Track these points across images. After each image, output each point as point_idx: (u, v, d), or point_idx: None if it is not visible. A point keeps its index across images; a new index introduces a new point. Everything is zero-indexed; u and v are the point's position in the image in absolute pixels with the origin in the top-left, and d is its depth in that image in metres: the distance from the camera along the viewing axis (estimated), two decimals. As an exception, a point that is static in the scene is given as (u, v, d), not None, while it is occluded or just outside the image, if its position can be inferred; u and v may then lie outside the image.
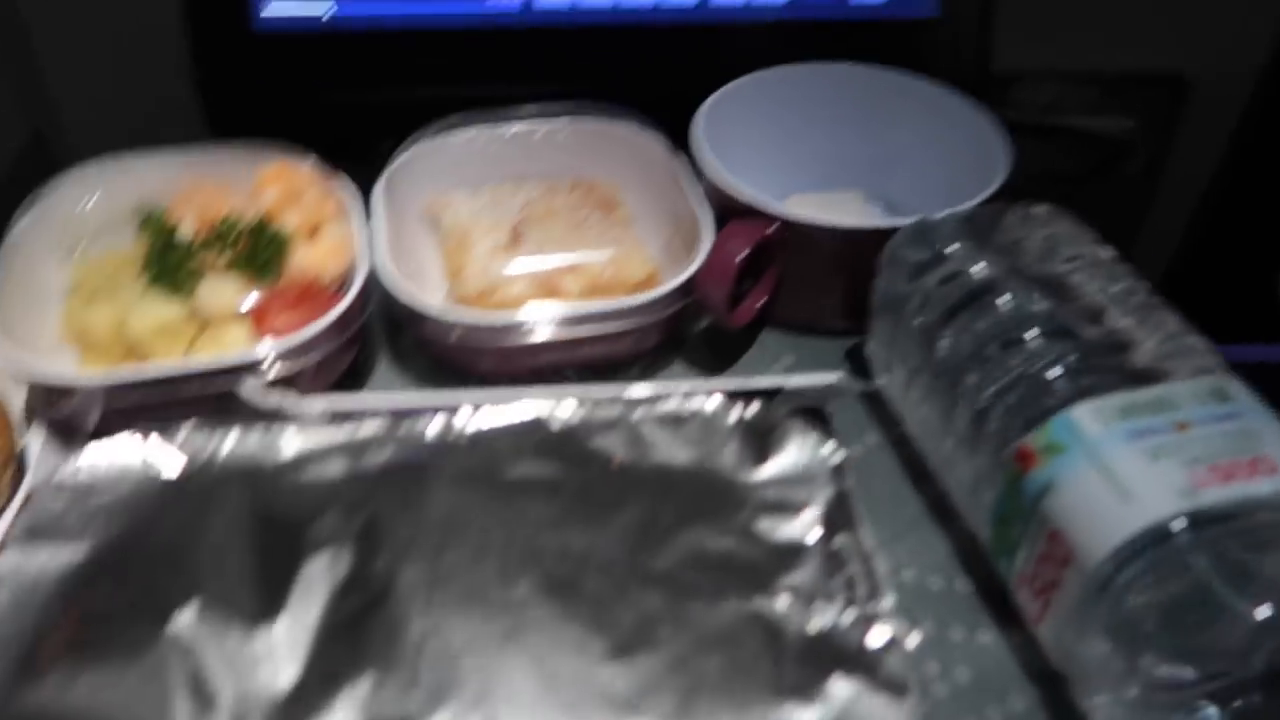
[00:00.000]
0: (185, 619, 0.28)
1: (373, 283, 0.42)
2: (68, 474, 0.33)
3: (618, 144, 0.49)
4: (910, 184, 0.48)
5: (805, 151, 0.51)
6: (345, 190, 0.45)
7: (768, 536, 0.32)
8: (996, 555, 0.35)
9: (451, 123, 0.49)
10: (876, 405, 0.43)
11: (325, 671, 0.28)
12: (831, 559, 0.32)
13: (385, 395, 0.37)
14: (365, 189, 0.45)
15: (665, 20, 0.53)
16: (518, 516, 0.32)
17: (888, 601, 0.31)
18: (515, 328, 0.39)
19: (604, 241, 0.45)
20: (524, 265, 0.43)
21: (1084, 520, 0.30)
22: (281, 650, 0.28)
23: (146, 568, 0.30)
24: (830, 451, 0.35)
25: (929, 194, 0.43)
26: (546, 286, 0.42)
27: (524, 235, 0.45)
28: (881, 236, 0.40)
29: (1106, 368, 0.32)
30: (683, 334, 0.47)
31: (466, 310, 0.41)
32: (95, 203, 0.44)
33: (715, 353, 0.46)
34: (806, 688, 0.28)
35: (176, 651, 0.28)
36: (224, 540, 0.31)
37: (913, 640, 0.30)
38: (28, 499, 0.33)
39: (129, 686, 0.27)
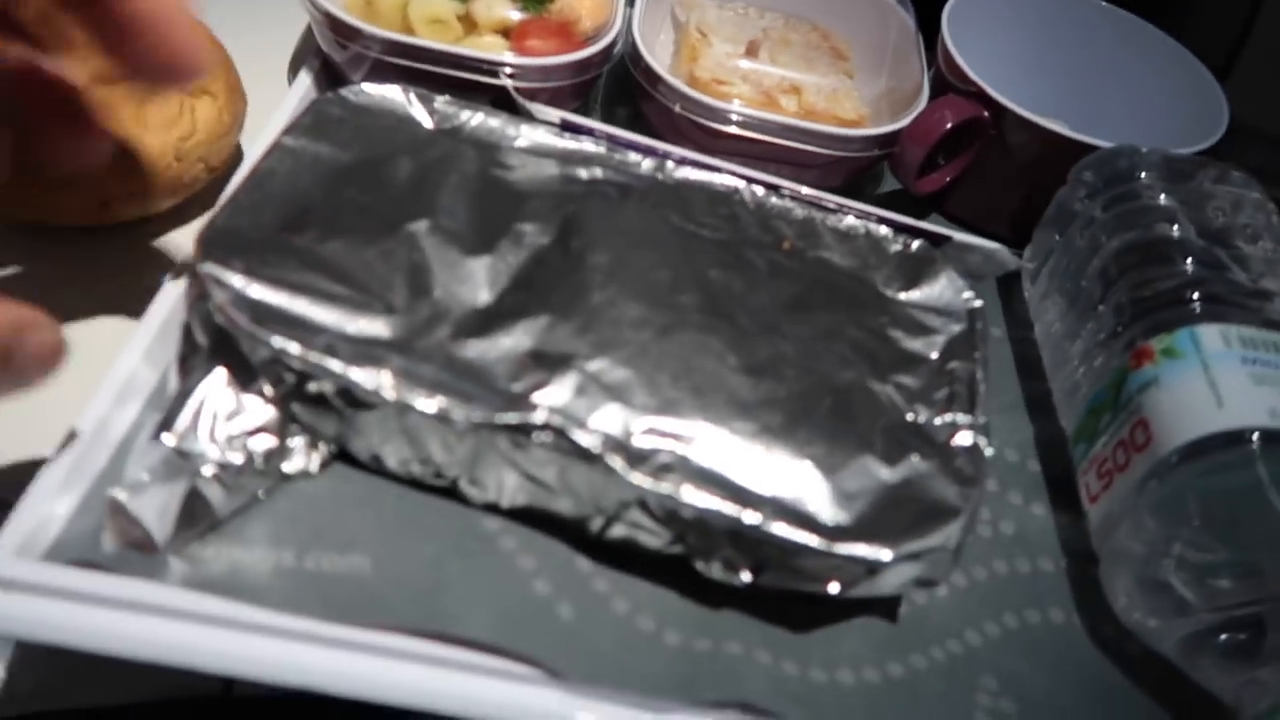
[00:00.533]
0: (420, 226, 0.34)
1: (618, 45, 0.46)
2: (349, 92, 0.38)
3: (865, 3, 0.52)
4: (1115, 132, 0.50)
5: (1027, 72, 0.52)
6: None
7: (896, 342, 0.36)
8: (1076, 441, 0.38)
9: (724, -64, 0.53)
10: (1010, 306, 0.46)
11: (514, 302, 0.33)
12: (942, 375, 0.35)
13: (613, 128, 0.42)
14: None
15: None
16: (695, 250, 0.36)
17: (979, 420, 0.34)
18: (728, 114, 0.44)
19: (825, 80, 0.49)
20: (753, 72, 0.47)
21: (1174, 414, 0.33)
22: (484, 278, 0.33)
23: (395, 186, 0.35)
24: (971, 296, 0.38)
25: (1132, 140, 0.44)
26: (767, 96, 0.47)
27: (758, 51, 0.49)
28: (1083, 151, 0.43)
29: (1244, 306, 0.35)
30: (863, 189, 0.50)
31: (699, 90, 0.45)
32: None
33: (884, 217, 0.50)
34: (889, 453, 0.32)
35: (409, 244, 0.33)
36: (457, 187, 0.36)
37: (989, 451, 0.33)
38: (313, 103, 0.38)
39: (367, 257, 0.32)
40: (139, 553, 0.28)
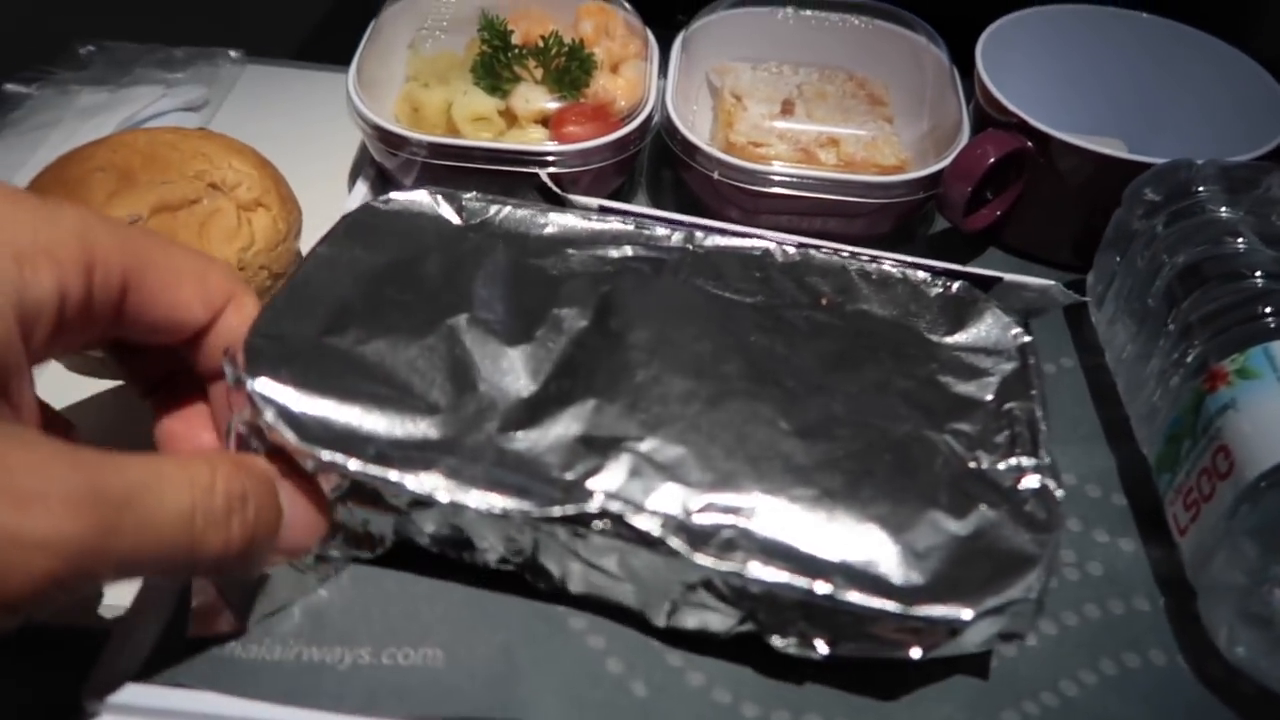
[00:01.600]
0: (459, 320, 0.34)
1: (654, 119, 0.48)
2: (378, 203, 0.39)
3: (897, 46, 0.53)
4: (1178, 142, 0.49)
5: (1076, 91, 0.52)
6: (647, 38, 0.51)
7: (948, 388, 0.35)
8: (1159, 470, 0.37)
9: (749, -1, 0.54)
10: (1080, 333, 0.45)
11: (559, 389, 0.33)
12: (1000, 417, 0.34)
13: (639, 208, 0.42)
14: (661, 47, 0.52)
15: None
16: (734, 316, 0.36)
17: (1045, 460, 0.33)
18: (768, 176, 0.44)
19: (865, 129, 0.49)
20: (790, 130, 0.48)
21: (1255, 437, 0.31)
22: (526, 367, 0.34)
23: (431, 282, 0.36)
24: (1019, 332, 0.37)
25: (1195, 152, 0.43)
26: (805, 152, 0.47)
27: (794, 108, 0.50)
28: (1135, 170, 0.42)
29: (1320, 319, 0.33)
30: (913, 232, 0.50)
31: (731, 154, 0.46)
32: (450, 4, 0.52)
33: (937, 256, 0.48)
34: (956, 505, 0.31)
35: (449, 339, 0.34)
36: (491, 278, 0.36)
37: (1060, 493, 0.32)
38: (345, 216, 0.39)
39: (409, 355, 0.33)
40: (223, 636, 0.30)
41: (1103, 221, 0.44)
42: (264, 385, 0.30)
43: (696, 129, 0.49)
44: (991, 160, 0.43)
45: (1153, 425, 0.38)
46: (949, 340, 0.37)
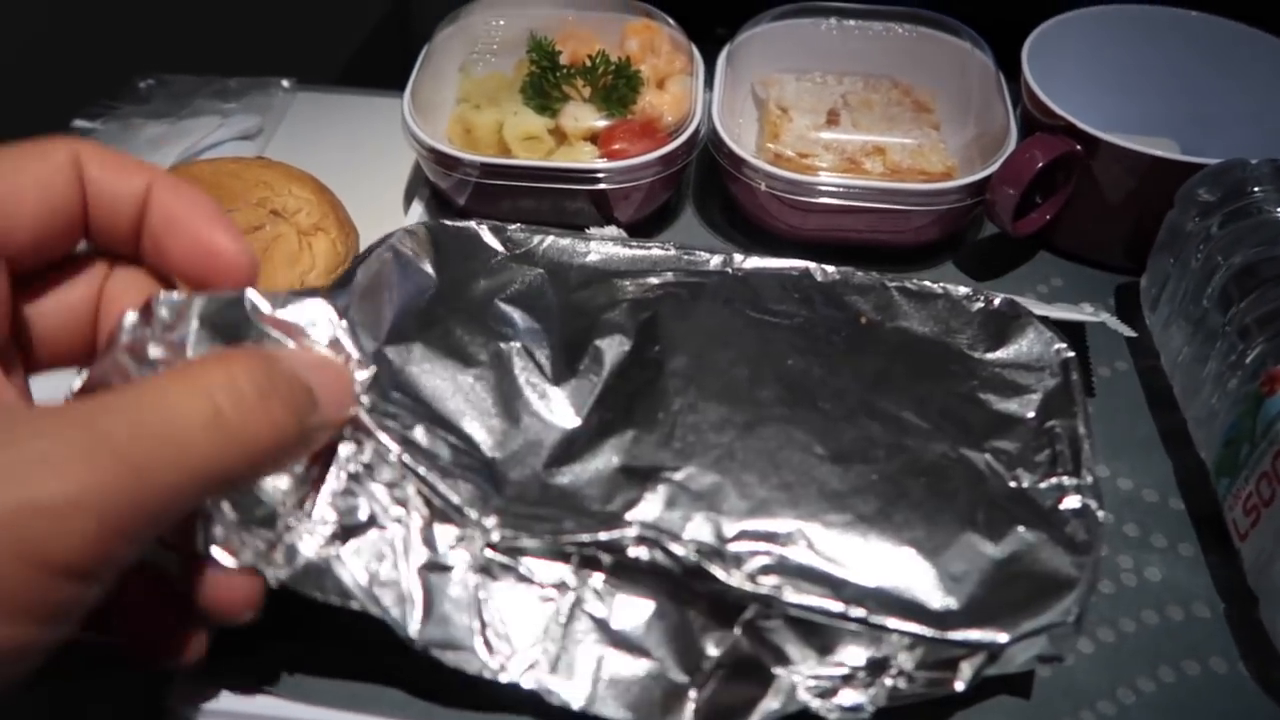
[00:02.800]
0: (510, 349, 0.35)
1: (701, 133, 0.48)
2: (432, 224, 0.39)
3: (942, 52, 0.53)
4: (1230, 141, 0.48)
5: (1126, 92, 0.51)
6: (692, 53, 0.52)
7: (988, 405, 0.35)
8: (1218, 475, 0.36)
9: (790, 10, 0.54)
10: (1135, 339, 0.45)
11: (601, 421, 0.33)
12: (1041, 435, 0.34)
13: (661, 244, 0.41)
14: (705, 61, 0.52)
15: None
16: (772, 339, 0.36)
17: (1087, 480, 0.32)
18: (814, 186, 0.45)
19: (910, 136, 0.49)
20: (835, 140, 0.48)
21: (1314, 442, 0.31)
22: (571, 402, 0.34)
23: (479, 307, 0.36)
24: (1062, 348, 0.36)
25: (1248, 151, 0.42)
26: (851, 162, 0.47)
27: (840, 118, 0.50)
28: (1189, 172, 0.42)
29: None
30: (962, 238, 0.50)
31: (783, 166, 0.47)
32: (499, 26, 0.53)
33: (987, 262, 0.49)
34: (993, 527, 0.31)
35: (499, 368, 0.34)
36: (537, 310, 0.37)
37: (1102, 515, 0.32)
38: (407, 230, 0.39)
39: (464, 382, 0.33)
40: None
41: (1154, 223, 0.44)
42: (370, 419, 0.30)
43: (742, 141, 0.50)
44: (1040, 164, 0.43)
45: (1210, 429, 0.38)
46: (990, 357, 0.37)
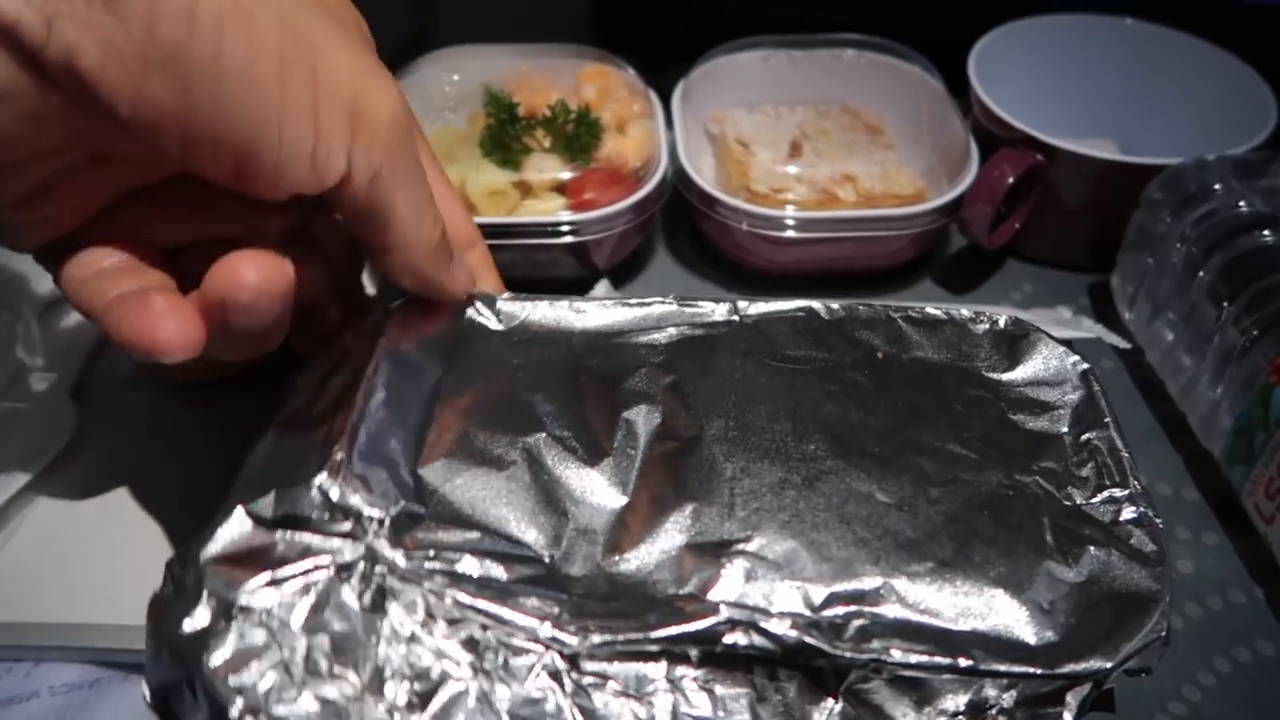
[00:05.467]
0: (537, 442, 0.32)
1: (668, 176, 0.48)
2: (412, 317, 0.36)
3: (888, 75, 0.54)
4: (1167, 137, 0.51)
5: (1065, 97, 0.54)
6: (649, 96, 0.52)
7: (1021, 425, 0.35)
8: (1231, 463, 0.38)
9: (739, 44, 0.55)
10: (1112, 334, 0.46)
11: (652, 496, 0.32)
12: (1080, 449, 0.34)
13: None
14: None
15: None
16: (802, 388, 0.36)
17: (1137, 488, 0.33)
18: (795, 221, 0.45)
19: (872, 161, 0.50)
20: (804, 172, 0.49)
21: (1337, 425, 0.32)
22: (614, 482, 0.32)
23: (492, 400, 0.34)
24: (1078, 360, 0.37)
25: (1186, 148, 0.45)
26: (824, 192, 0.48)
27: (802, 149, 0.50)
28: (1148, 174, 0.43)
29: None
30: (933, 255, 0.51)
31: (755, 203, 0.47)
32: (453, 82, 0.51)
33: (961, 275, 0.50)
34: (1066, 551, 0.31)
35: (531, 463, 0.32)
36: (553, 393, 0.35)
37: (1160, 521, 0.32)
38: (395, 315, 0.36)
39: (500, 486, 0.31)
40: None
41: (1115, 223, 0.46)
42: (384, 549, 0.28)
43: (703, 179, 0.50)
44: (1011, 180, 0.44)
45: (1215, 419, 0.39)
46: (1009, 377, 0.37)
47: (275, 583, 0.27)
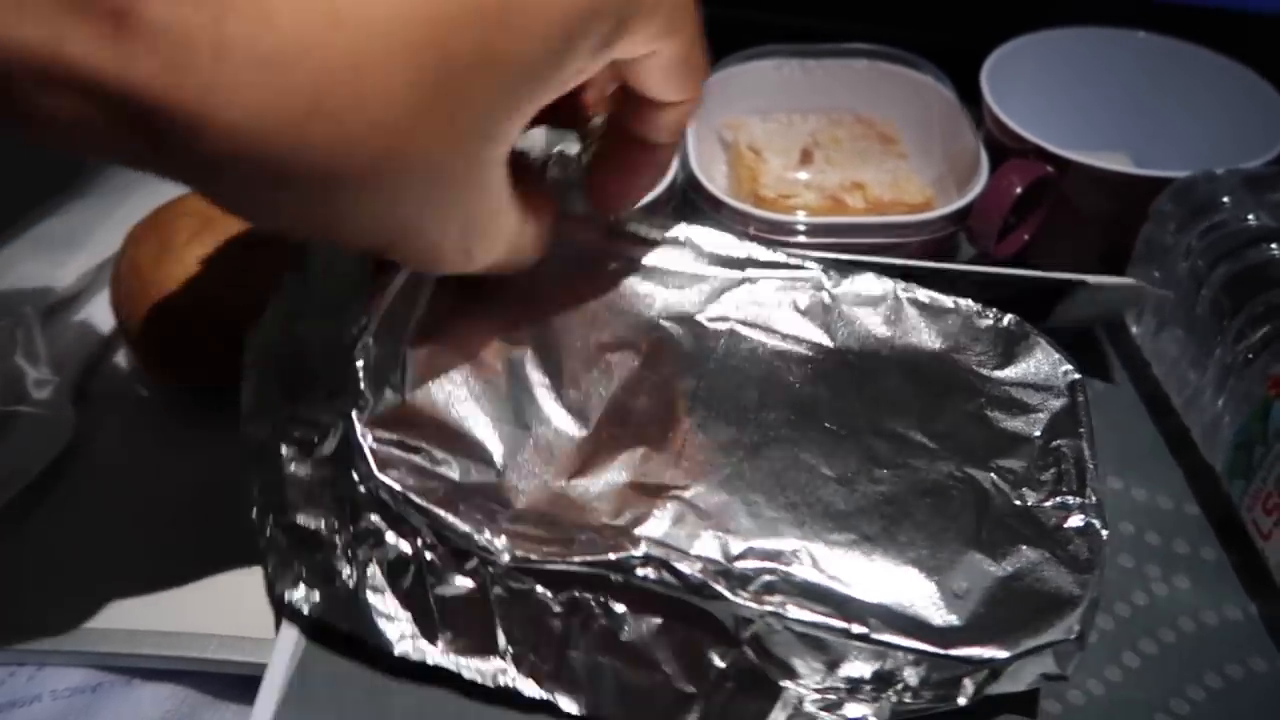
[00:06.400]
0: (522, 356, 0.34)
1: (679, 180, 0.48)
2: None
3: (901, 85, 0.54)
4: (1182, 152, 0.50)
5: (1080, 110, 0.53)
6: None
7: (995, 423, 0.35)
8: (1231, 477, 0.37)
9: (752, 53, 0.55)
10: (1120, 347, 0.46)
11: (610, 435, 0.34)
12: (1047, 454, 0.34)
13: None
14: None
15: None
16: (781, 365, 0.36)
17: (1091, 499, 0.33)
18: (800, 226, 0.45)
19: (883, 170, 0.50)
20: (814, 179, 0.49)
21: (1333, 440, 0.32)
22: (579, 412, 0.34)
23: (489, 304, 0.35)
24: (1070, 369, 0.37)
25: (1201, 161, 0.44)
26: (833, 199, 0.48)
27: (814, 156, 0.51)
28: (1158, 186, 0.43)
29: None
30: (944, 260, 0.51)
31: (763, 209, 0.47)
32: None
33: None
34: (996, 546, 0.31)
35: (511, 376, 0.34)
36: (547, 317, 0.36)
37: (1105, 533, 0.32)
38: None
39: (476, 388, 0.33)
40: None
41: (1126, 236, 0.45)
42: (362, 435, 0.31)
43: (715, 185, 0.50)
44: (1018, 190, 0.44)
45: (1217, 434, 0.39)
46: (998, 375, 0.37)
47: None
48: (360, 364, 0.31)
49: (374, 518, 0.31)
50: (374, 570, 0.31)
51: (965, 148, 0.49)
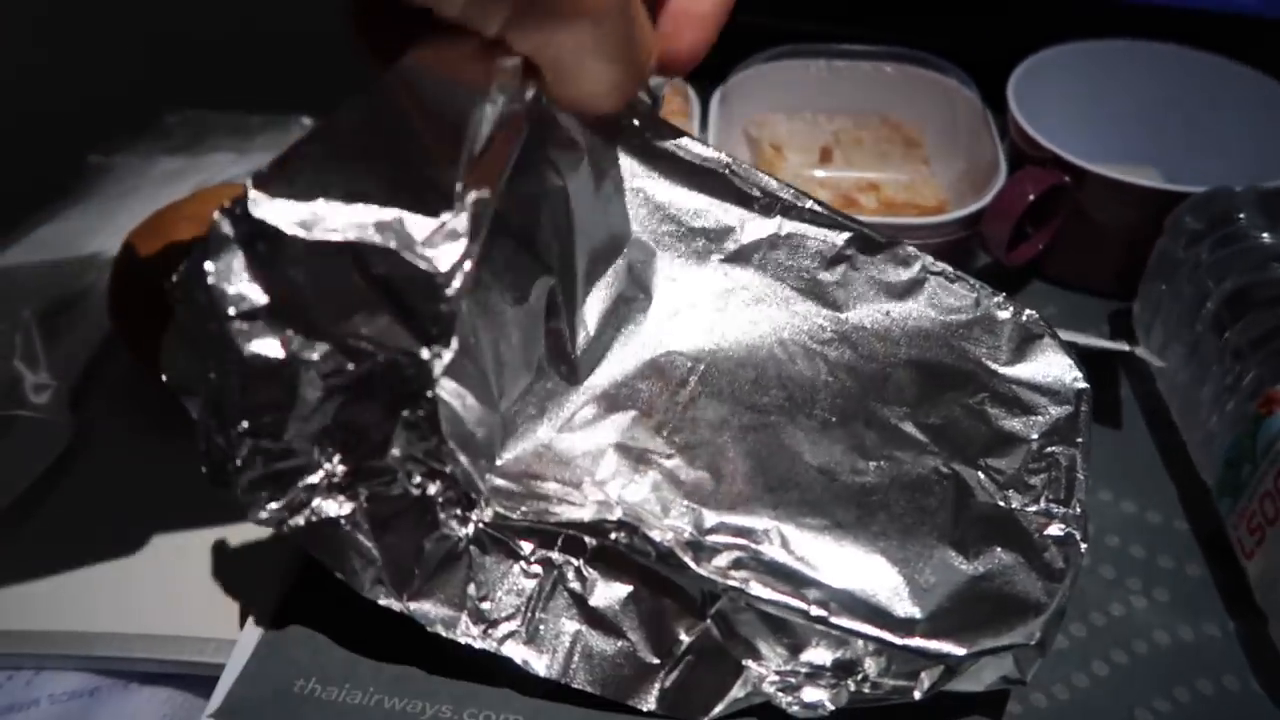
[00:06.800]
0: (548, 284, 0.33)
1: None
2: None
3: (929, 90, 0.54)
4: (1214, 168, 0.49)
5: (1111, 123, 0.53)
6: (689, 95, 0.53)
7: (993, 421, 0.35)
8: (1220, 494, 0.37)
9: (781, 52, 0.56)
10: (1128, 360, 0.45)
11: (605, 392, 0.34)
12: (1040, 458, 0.34)
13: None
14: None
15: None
16: (786, 339, 0.36)
17: (1075, 511, 0.32)
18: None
19: (902, 172, 0.50)
20: (830, 177, 0.50)
21: (1315, 460, 0.32)
22: (584, 363, 0.34)
23: (533, 227, 0.33)
24: (1079, 377, 0.36)
25: (1231, 177, 0.44)
26: (847, 199, 0.48)
27: (833, 155, 0.51)
28: (1174, 200, 0.43)
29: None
30: (957, 267, 0.51)
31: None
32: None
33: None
34: (969, 545, 0.31)
35: (532, 317, 0.32)
36: (582, 247, 0.34)
37: (1084, 546, 0.32)
38: None
39: (500, 318, 0.31)
40: None
41: (1144, 251, 0.45)
42: None
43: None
44: (1030, 198, 0.44)
45: (1210, 450, 0.38)
46: (1006, 370, 0.36)
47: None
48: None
49: (395, 452, 0.28)
50: (362, 509, 0.30)
51: (986, 155, 0.49)
